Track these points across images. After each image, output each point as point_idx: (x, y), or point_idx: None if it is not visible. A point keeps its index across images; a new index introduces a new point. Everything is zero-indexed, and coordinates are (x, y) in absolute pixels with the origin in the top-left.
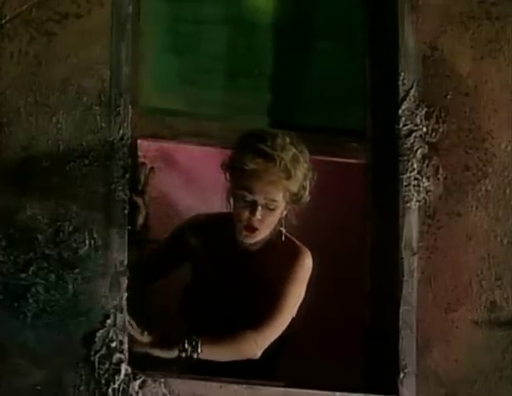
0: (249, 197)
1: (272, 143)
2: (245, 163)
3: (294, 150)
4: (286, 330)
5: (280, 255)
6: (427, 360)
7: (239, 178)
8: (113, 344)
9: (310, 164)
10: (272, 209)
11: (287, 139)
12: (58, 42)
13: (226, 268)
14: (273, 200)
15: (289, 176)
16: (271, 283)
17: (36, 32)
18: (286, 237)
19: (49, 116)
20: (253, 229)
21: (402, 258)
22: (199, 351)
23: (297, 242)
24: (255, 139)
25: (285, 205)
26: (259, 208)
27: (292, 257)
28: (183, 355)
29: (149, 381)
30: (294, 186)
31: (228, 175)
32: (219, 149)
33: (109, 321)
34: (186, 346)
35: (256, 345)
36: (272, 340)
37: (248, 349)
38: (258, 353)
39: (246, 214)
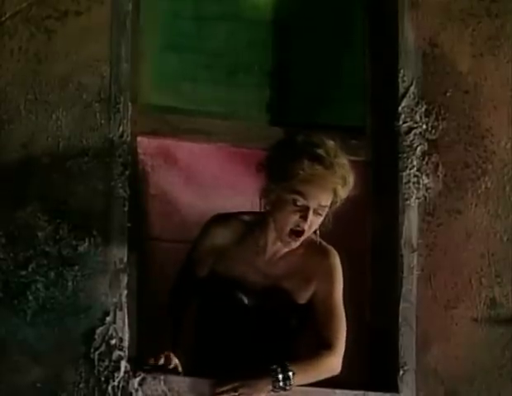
0: (302, 202)
1: (326, 149)
2: (301, 168)
3: (344, 156)
4: None
5: (313, 257)
6: (427, 357)
7: (291, 182)
8: (113, 341)
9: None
10: (320, 214)
11: (333, 143)
12: (58, 39)
13: (262, 280)
14: (324, 206)
15: (344, 183)
16: (317, 294)
17: (36, 29)
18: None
19: (49, 113)
20: (300, 233)
21: (402, 255)
22: (291, 378)
23: (324, 243)
24: (306, 142)
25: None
26: (311, 213)
27: (325, 260)
28: (277, 386)
29: (149, 378)
30: (345, 192)
31: (268, 176)
32: (219, 146)
33: (109, 318)
34: (279, 376)
35: (337, 360)
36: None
37: (332, 367)
38: (340, 367)
39: (295, 218)
